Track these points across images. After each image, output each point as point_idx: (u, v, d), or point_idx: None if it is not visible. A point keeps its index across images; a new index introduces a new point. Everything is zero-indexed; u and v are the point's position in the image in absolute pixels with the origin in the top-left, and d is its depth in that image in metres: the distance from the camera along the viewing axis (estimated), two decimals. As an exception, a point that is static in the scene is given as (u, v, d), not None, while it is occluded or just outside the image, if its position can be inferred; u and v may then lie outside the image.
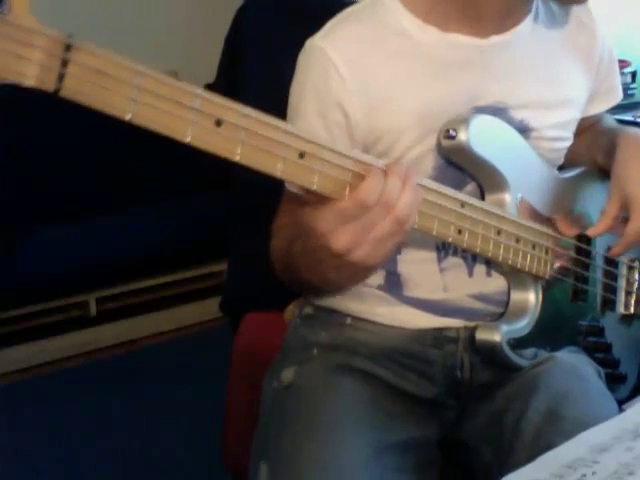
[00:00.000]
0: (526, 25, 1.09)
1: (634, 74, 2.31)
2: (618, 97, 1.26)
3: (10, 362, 2.73)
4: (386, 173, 0.86)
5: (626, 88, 2.25)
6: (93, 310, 2.95)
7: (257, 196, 1.25)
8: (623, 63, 2.27)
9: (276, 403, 1.11)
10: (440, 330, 1.12)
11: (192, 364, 2.71)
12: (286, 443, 1.02)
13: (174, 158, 1.80)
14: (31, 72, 0.69)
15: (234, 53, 1.53)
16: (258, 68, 1.49)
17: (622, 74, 2.24)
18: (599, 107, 1.25)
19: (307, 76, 1.05)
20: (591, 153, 1.25)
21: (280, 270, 1.09)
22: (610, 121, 1.31)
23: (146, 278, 3.05)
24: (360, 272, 0.94)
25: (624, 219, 1.16)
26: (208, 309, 2.81)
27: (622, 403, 0.92)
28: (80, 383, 2.67)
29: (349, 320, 1.14)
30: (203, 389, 2.18)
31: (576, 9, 1.15)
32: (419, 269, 1.11)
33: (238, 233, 1.57)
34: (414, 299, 1.12)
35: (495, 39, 1.06)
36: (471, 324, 1.12)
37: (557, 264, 1.13)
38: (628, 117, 2.07)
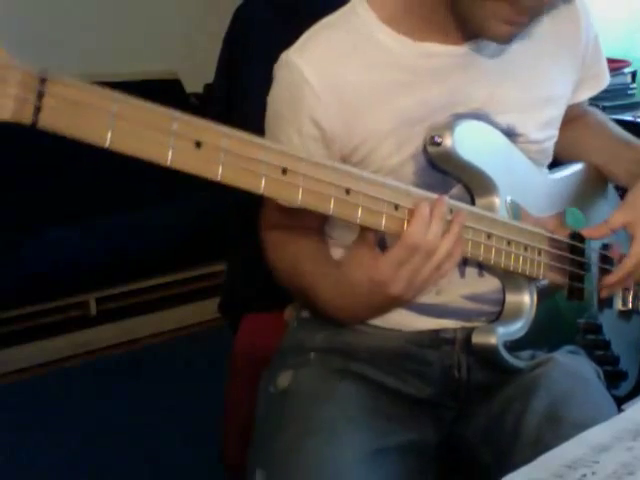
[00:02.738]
0: None
1: (634, 74, 2.30)
2: (605, 82, 1.25)
3: (10, 362, 2.73)
4: (431, 215, 0.93)
5: (626, 88, 2.24)
6: (93, 310, 2.94)
7: (257, 197, 1.25)
8: (623, 63, 2.27)
9: (272, 408, 1.11)
10: (437, 331, 1.12)
11: (192, 364, 2.70)
12: (282, 448, 1.01)
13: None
14: (6, 106, 0.69)
15: (232, 53, 1.53)
16: (257, 67, 1.48)
17: (622, 74, 2.24)
18: (586, 93, 1.24)
19: (282, 91, 1.06)
20: (609, 165, 1.25)
21: (285, 284, 1.14)
22: (618, 129, 1.30)
23: (146, 278, 3.05)
24: (388, 305, 1.04)
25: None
26: (208, 309, 2.80)
27: (622, 402, 0.92)
28: (80, 383, 2.66)
29: None
30: (203, 389, 2.18)
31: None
32: None
33: (237, 234, 1.57)
34: (408, 303, 1.11)
35: (470, 46, 1.06)
36: (467, 325, 1.12)
37: (552, 266, 1.13)
38: (628, 117, 2.06)
